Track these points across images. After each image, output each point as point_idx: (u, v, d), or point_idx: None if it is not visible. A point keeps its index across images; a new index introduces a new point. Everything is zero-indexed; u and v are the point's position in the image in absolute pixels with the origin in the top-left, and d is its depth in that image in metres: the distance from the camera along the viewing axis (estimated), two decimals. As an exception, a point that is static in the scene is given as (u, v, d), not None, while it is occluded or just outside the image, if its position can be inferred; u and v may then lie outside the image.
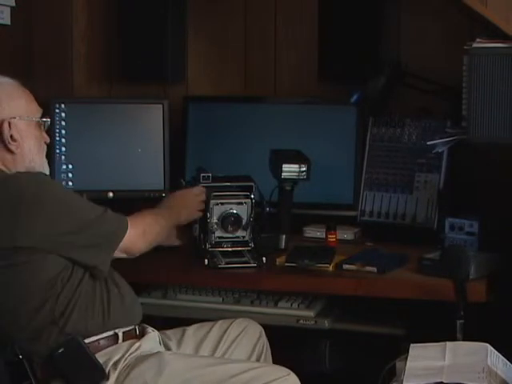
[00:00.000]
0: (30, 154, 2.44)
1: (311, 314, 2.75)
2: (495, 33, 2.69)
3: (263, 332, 2.66)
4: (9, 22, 3.16)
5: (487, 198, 3.02)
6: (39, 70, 3.39)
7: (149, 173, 3.35)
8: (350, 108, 3.18)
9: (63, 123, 3.30)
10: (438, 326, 2.50)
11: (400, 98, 3.21)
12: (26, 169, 2.43)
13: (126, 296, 2.48)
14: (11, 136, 2.40)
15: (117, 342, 2.39)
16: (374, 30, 3.23)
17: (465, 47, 2.69)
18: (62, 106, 3.29)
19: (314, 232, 3.13)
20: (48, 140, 2.53)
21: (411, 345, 2.24)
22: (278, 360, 2.62)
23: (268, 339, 2.67)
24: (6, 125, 2.39)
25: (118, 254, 2.47)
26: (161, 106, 3.36)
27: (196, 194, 2.80)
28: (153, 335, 2.48)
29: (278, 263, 2.79)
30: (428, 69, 3.15)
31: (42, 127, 2.50)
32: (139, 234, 2.51)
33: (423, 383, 2.06)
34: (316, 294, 2.79)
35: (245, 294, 2.83)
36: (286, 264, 2.75)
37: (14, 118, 2.41)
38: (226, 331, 2.61)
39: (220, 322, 2.65)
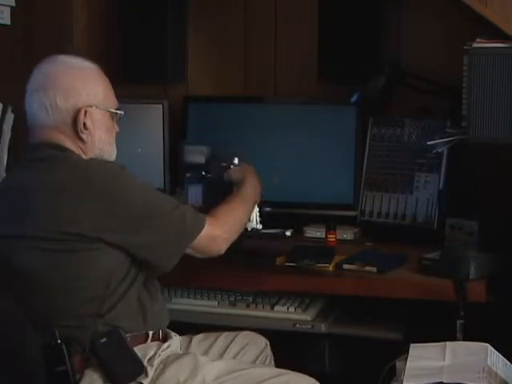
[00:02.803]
0: (100, 144, 2.40)
1: (308, 317, 2.73)
2: (495, 33, 2.69)
3: (268, 344, 2.67)
4: (9, 22, 3.16)
5: (487, 198, 3.02)
6: (39, 69, 3.39)
7: (149, 173, 3.34)
8: (350, 108, 3.18)
9: (63, 123, 3.29)
10: (437, 326, 2.50)
11: (400, 98, 3.21)
12: (94, 157, 2.39)
13: (160, 300, 2.48)
14: (84, 124, 2.35)
15: (145, 342, 2.37)
16: (374, 30, 3.23)
17: (465, 47, 2.69)
18: (62, 105, 3.29)
19: (314, 232, 3.13)
20: (118, 130, 2.47)
21: (411, 345, 2.24)
22: (277, 361, 2.62)
23: (265, 336, 2.68)
24: (82, 113, 2.34)
25: (192, 252, 2.44)
26: (161, 105, 3.36)
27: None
28: (176, 339, 2.47)
29: (277, 263, 2.79)
30: (428, 69, 3.15)
31: (115, 118, 2.45)
32: (219, 235, 2.46)
33: (423, 383, 2.06)
34: (314, 295, 2.79)
35: (240, 298, 2.81)
36: (286, 264, 2.75)
37: (91, 106, 2.36)
38: (230, 343, 2.61)
39: (225, 333, 2.65)
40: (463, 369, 2.09)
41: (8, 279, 2.25)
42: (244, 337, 2.64)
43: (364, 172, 3.18)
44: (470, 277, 2.53)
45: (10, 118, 3.06)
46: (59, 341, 2.22)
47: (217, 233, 2.44)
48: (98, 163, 2.34)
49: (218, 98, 3.42)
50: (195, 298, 2.83)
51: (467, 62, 2.68)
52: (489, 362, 2.11)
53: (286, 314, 2.75)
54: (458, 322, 2.44)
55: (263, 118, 3.29)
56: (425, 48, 3.23)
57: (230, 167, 2.78)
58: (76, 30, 3.54)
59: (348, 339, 2.74)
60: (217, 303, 2.81)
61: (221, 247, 2.48)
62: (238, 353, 2.59)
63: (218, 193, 2.74)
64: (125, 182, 2.32)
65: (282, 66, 3.43)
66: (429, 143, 2.98)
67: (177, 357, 2.39)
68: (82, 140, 2.37)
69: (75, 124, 2.35)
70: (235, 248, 2.61)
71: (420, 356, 2.18)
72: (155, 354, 2.35)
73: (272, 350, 2.68)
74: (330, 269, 2.73)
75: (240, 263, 2.79)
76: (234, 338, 2.62)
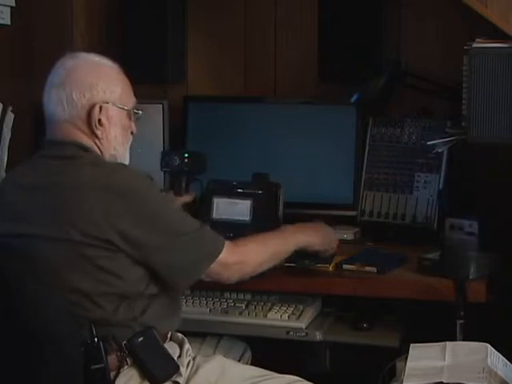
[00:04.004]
0: (115, 142, 2.38)
1: (302, 325, 2.69)
2: (495, 33, 2.69)
3: (248, 349, 2.72)
4: (9, 22, 3.16)
5: (487, 198, 3.02)
6: (39, 69, 3.38)
7: (149, 173, 3.34)
8: (350, 108, 3.18)
9: (63, 123, 3.29)
10: (437, 326, 2.50)
11: (400, 98, 3.21)
12: (109, 156, 2.38)
13: (181, 300, 2.50)
14: (99, 120, 2.33)
15: (165, 341, 2.37)
16: (374, 30, 3.23)
17: (465, 47, 2.69)
18: (62, 106, 3.29)
19: (314, 232, 3.13)
20: (135, 131, 2.46)
21: (411, 345, 2.24)
22: (277, 361, 2.62)
23: (266, 340, 2.69)
24: (96, 108, 2.32)
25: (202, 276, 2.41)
26: (161, 106, 3.36)
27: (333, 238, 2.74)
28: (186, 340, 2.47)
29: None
30: (428, 69, 3.15)
31: (133, 117, 2.43)
32: (233, 263, 2.40)
33: (423, 383, 2.06)
34: (312, 297, 2.79)
35: (233, 305, 2.77)
36: (286, 264, 2.74)
37: (107, 103, 2.34)
38: (215, 350, 2.63)
39: (208, 338, 2.68)
40: (463, 369, 2.09)
41: (41, 278, 2.23)
42: (224, 343, 2.68)
43: (364, 172, 3.18)
44: (470, 277, 2.53)
45: (9, 118, 3.06)
46: (96, 339, 2.22)
47: (230, 260, 2.39)
48: (131, 171, 2.31)
49: (217, 98, 3.41)
50: (186, 305, 2.76)
51: (467, 62, 2.68)
52: (489, 362, 2.11)
53: (280, 321, 2.70)
54: (458, 322, 2.44)
55: (263, 117, 3.29)
56: (425, 48, 3.23)
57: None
58: (76, 30, 3.54)
59: (345, 345, 2.73)
60: (208, 310, 2.76)
61: (232, 277, 2.43)
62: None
63: (266, 208, 2.84)
64: (153, 197, 2.30)
65: (281, 66, 3.43)
66: (429, 143, 2.98)
67: (205, 359, 2.42)
68: (96, 136, 2.35)
69: (89, 119, 2.33)
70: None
71: (420, 356, 2.17)
72: (181, 354, 2.37)
73: (272, 350, 2.68)
74: (330, 269, 2.73)
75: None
76: (217, 345, 2.66)
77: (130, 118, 2.43)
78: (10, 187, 2.36)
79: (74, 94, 2.32)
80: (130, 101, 2.43)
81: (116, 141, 2.39)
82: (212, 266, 2.36)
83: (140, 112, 2.46)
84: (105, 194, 2.23)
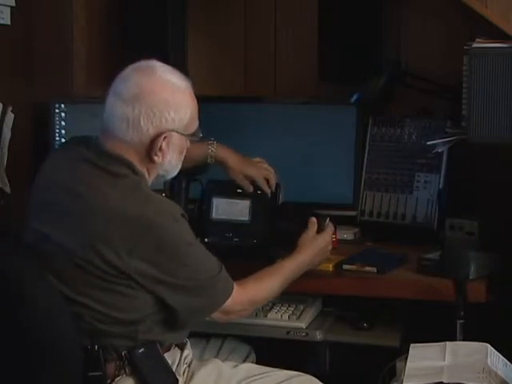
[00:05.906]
0: (168, 166, 2.30)
1: (302, 325, 2.69)
2: (495, 33, 2.69)
3: (252, 352, 2.70)
4: (9, 22, 3.15)
5: (487, 198, 3.03)
6: (39, 70, 3.39)
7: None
8: (350, 108, 3.18)
9: (63, 123, 3.29)
10: (437, 326, 2.50)
11: (400, 98, 3.21)
12: (157, 176, 2.32)
13: None
14: (160, 147, 2.24)
15: (169, 350, 2.35)
16: (374, 30, 3.23)
17: (465, 47, 2.69)
18: (62, 106, 3.29)
19: (314, 232, 3.13)
20: (188, 145, 2.36)
21: (411, 345, 2.24)
22: (277, 361, 2.62)
23: (266, 340, 2.69)
24: (161, 137, 2.23)
25: None
26: (161, 106, 3.35)
27: (329, 239, 2.66)
28: (188, 343, 2.46)
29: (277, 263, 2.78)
30: (428, 69, 3.15)
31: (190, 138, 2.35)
32: (235, 311, 2.37)
33: (423, 383, 2.06)
34: (312, 297, 2.79)
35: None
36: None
37: (172, 130, 2.25)
38: (218, 351, 2.62)
39: (212, 340, 2.67)
40: (463, 369, 2.09)
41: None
42: (228, 343, 2.67)
43: (364, 172, 3.18)
44: (470, 277, 2.53)
45: (9, 118, 3.06)
46: (96, 346, 2.20)
47: (234, 308, 2.36)
48: (162, 208, 2.22)
49: (217, 98, 3.41)
50: None
51: (467, 62, 2.69)
52: (489, 362, 2.11)
53: (280, 321, 2.70)
54: (458, 322, 2.45)
55: (263, 118, 3.29)
56: (425, 48, 3.23)
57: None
58: (76, 30, 3.53)
59: (345, 345, 2.73)
60: None
61: (230, 319, 2.41)
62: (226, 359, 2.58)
63: (266, 208, 2.82)
64: (178, 239, 2.23)
65: (281, 66, 3.43)
66: (429, 143, 2.98)
67: (201, 364, 2.40)
68: (152, 161, 2.27)
69: (151, 146, 2.24)
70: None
71: (420, 356, 2.18)
72: (179, 363, 2.35)
73: (272, 349, 2.68)
74: (330, 269, 2.73)
75: (239, 263, 2.78)
76: (221, 346, 2.65)
77: (187, 139, 2.34)
78: (51, 183, 2.30)
79: (142, 118, 2.21)
80: (195, 125, 2.33)
81: (169, 164, 2.31)
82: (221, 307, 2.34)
83: (200, 135, 2.37)
84: (133, 227, 2.16)
